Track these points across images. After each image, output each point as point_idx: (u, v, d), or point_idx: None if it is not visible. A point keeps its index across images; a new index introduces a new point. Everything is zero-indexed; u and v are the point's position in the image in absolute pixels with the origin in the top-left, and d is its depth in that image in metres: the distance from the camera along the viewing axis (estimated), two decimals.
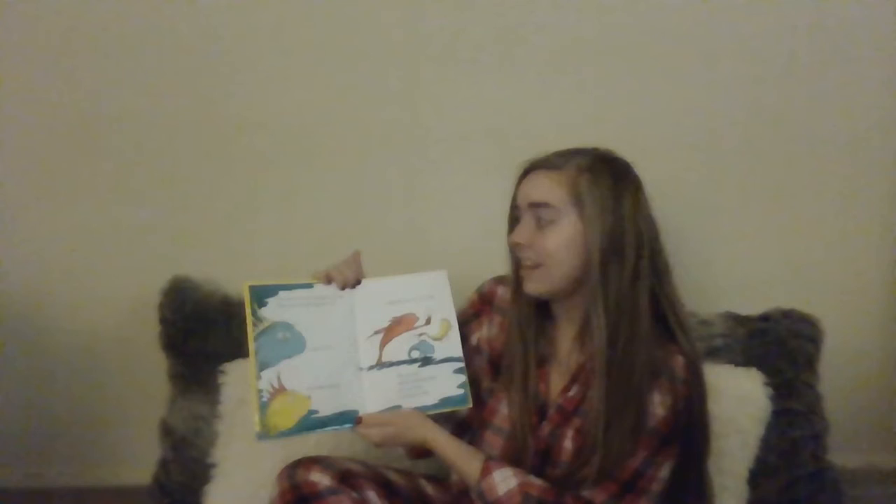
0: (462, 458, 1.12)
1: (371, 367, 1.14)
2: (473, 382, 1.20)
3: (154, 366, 1.53)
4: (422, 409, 1.14)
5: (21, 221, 1.62)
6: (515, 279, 1.18)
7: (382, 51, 1.56)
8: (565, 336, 1.19)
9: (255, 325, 1.09)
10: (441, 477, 1.28)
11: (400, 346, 1.16)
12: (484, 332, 1.25)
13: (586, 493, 1.08)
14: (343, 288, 1.16)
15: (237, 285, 1.21)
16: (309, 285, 1.14)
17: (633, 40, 1.55)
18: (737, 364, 1.42)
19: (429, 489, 1.24)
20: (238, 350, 1.37)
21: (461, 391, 1.16)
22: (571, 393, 1.15)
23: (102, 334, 1.64)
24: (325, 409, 1.10)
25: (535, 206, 1.13)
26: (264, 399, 1.07)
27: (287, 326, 1.11)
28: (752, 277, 1.60)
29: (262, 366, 1.08)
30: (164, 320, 1.50)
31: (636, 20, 1.54)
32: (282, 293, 1.12)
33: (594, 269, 1.09)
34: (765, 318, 1.46)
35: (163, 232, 1.61)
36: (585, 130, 1.54)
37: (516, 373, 1.17)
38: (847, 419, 1.52)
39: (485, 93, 1.57)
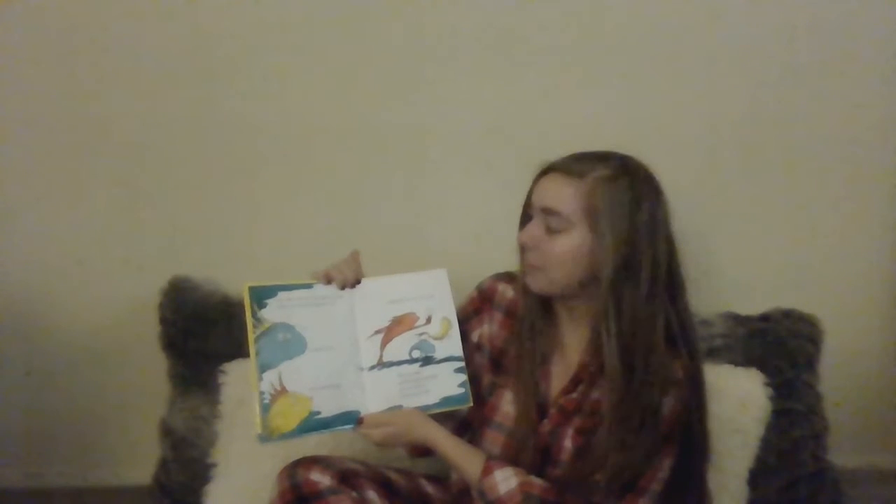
0: (463, 457, 1.12)
1: (372, 368, 1.14)
2: (474, 380, 1.20)
3: (154, 366, 1.53)
4: (423, 409, 1.14)
5: (21, 221, 1.62)
6: (523, 275, 1.18)
7: (382, 51, 1.56)
8: (567, 335, 1.19)
9: (255, 326, 1.09)
10: (441, 476, 1.28)
11: (400, 346, 1.16)
12: (485, 330, 1.25)
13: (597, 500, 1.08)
14: (343, 288, 1.16)
15: (237, 285, 1.21)
16: (309, 286, 1.14)
17: (634, 40, 1.55)
18: (737, 364, 1.42)
19: (429, 489, 1.24)
20: (238, 350, 1.37)
21: (462, 390, 1.16)
22: (574, 394, 1.15)
23: (102, 334, 1.64)
24: (327, 409, 1.09)
25: (546, 211, 1.11)
26: (266, 401, 1.07)
27: (287, 327, 1.11)
28: (752, 277, 1.60)
29: (264, 367, 1.08)
30: (164, 320, 1.50)
31: (636, 20, 1.54)
32: (281, 294, 1.12)
33: (606, 288, 1.06)
34: (765, 318, 1.47)
35: (163, 232, 1.61)
36: (585, 130, 1.55)
37: (519, 368, 1.17)
38: (847, 419, 1.52)
39: (485, 93, 1.57)
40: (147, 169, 1.60)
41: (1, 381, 1.66)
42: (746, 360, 1.43)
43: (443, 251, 1.58)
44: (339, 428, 1.11)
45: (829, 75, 1.55)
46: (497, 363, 1.23)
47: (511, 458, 1.14)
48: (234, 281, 1.47)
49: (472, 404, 1.16)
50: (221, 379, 1.44)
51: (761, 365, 1.41)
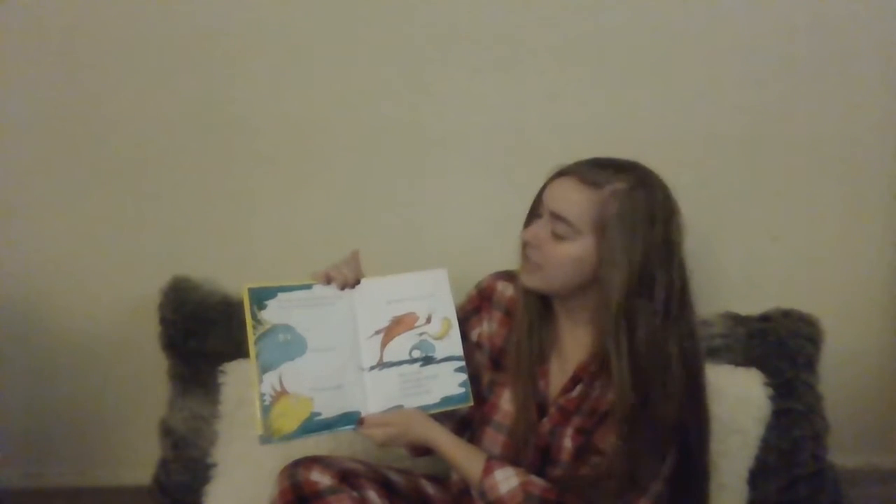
0: (464, 457, 1.12)
1: (372, 368, 1.14)
2: (473, 379, 1.19)
3: (154, 366, 1.53)
4: (423, 409, 1.14)
5: (21, 221, 1.62)
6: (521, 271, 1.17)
7: (382, 51, 1.56)
8: (566, 333, 1.19)
9: (255, 327, 1.09)
10: (441, 476, 1.28)
11: (401, 346, 1.16)
12: (484, 328, 1.25)
13: None
14: (343, 288, 1.15)
15: (237, 285, 1.21)
16: (308, 286, 1.14)
17: (634, 40, 1.55)
18: (737, 364, 1.42)
19: (429, 488, 1.24)
20: (238, 350, 1.37)
21: (462, 390, 1.16)
22: (573, 394, 1.15)
23: (102, 334, 1.64)
24: (328, 410, 1.09)
25: (555, 216, 1.09)
26: (266, 402, 1.06)
27: (287, 328, 1.10)
28: (752, 277, 1.61)
29: (264, 369, 1.08)
30: (164, 320, 1.50)
31: (636, 20, 1.54)
32: (281, 295, 1.11)
33: (617, 308, 1.04)
34: (765, 318, 1.47)
35: (163, 232, 1.61)
36: (585, 130, 1.55)
37: (519, 367, 1.17)
38: (847, 419, 1.52)
39: (485, 93, 1.57)
40: (147, 169, 1.60)
41: (1, 381, 1.66)
42: (746, 360, 1.43)
43: (443, 251, 1.58)
44: (341, 428, 1.10)
45: (828, 74, 1.55)
46: (497, 362, 1.23)
47: (511, 457, 1.14)
48: (233, 281, 1.48)
49: (472, 404, 1.16)
50: (221, 379, 1.44)
51: (761, 365, 1.41)
